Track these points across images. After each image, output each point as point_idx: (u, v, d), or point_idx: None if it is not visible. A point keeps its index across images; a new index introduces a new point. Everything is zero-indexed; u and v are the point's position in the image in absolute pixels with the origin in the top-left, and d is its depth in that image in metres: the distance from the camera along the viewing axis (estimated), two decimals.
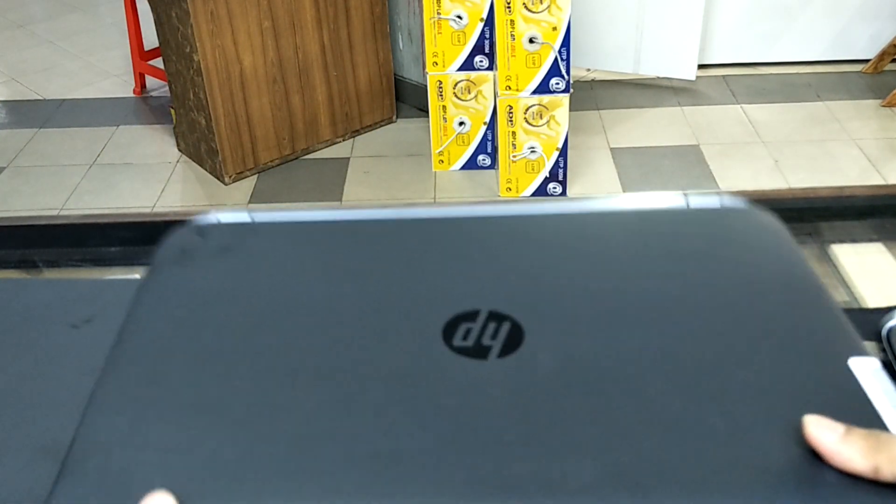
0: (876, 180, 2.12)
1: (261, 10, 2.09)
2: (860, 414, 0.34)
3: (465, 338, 0.36)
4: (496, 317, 0.37)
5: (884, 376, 0.36)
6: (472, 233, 0.43)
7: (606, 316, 0.38)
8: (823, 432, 0.31)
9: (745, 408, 0.33)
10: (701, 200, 0.45)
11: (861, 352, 0.37)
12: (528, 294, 0.39)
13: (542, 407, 0.33)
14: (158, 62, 2.40)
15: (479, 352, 0.35)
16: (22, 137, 2.43)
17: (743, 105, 2.46)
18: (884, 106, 2.43)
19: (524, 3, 1.89)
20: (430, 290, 0.39)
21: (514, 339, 0.36)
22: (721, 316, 0.38)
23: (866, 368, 0.36)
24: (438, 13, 2.02)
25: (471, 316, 0.37)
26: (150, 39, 2.40)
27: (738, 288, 0.40)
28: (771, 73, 2.63)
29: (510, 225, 0.44)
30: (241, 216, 0.44)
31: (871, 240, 0.65)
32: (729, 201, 0.45)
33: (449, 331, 0.36)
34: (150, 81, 2.68)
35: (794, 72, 2.63)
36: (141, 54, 2.59)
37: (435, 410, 0.33)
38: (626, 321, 0.37)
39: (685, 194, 0.45)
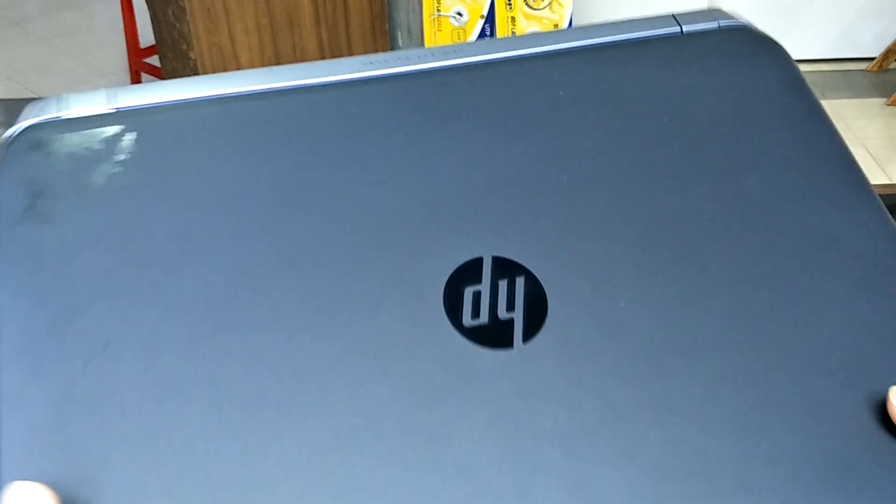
0: (881, 180, 2.10)
1: (258, 7, 2.06)
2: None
3: (475, 312, 0.29)
4: (505, 268, 0.30)
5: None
6: (434, 101, 0.35)
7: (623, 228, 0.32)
8: None
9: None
10: (697, 24, 0.39)
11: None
12: (532, 214, 0.32)
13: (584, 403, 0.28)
14: (154, 60, 2.38)
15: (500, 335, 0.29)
16: None
17: None
18: (889, 105, 2.40)
19: (525, 0, 1.86)
20: (401, 220, 0.31)
21: (538, 304, 0.29)
22: (752, 194, 0.33)
23: None
24: (438, 10, 2.00)
25: (474, 271, 0.30)
26: (147, 37, 2.38)
27: (755, 140, 0.35)
28: None
29: (482, 81, 0.36)
30: (99, 102, 0.34)
31: None
32: (726, 22, 0.40)
33: (453, 300, 0.29)
34: (146, 79, 2.66)
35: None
36: (137, 52, 2.57)
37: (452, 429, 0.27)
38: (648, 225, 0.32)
39: (676, 18, 0.40)
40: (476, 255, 0.30)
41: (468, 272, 0.30)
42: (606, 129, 0.35)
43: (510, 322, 0.29)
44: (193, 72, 2.04)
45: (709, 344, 0.30)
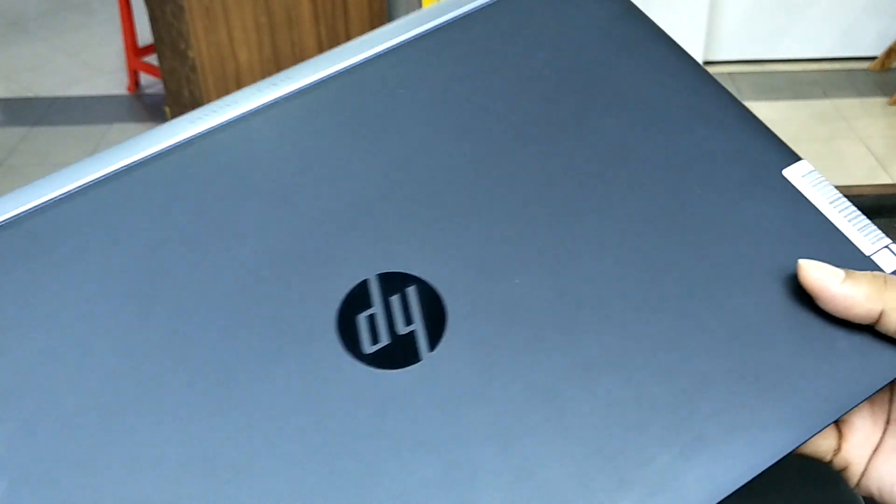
0: (883, 179, 2.09)
1: (257, 5, 2.05)
2: (811, 223, 0.32)
3: (373, 336, 0.28)
4: (392, 282, 0.29)
5: (817, 176, 0.34)
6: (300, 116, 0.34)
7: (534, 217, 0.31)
8: (822, 275, 0.29)
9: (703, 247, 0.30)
10: None
11: (790, 156, 0.34)
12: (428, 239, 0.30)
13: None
14: (153, 59, 2.37)
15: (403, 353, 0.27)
16: (14, 136, 2.40)
17: (749, 102, 2.42)
18: (891, 104, 2.40)
19: None
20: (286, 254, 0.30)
21: (434, 305, 0.28)
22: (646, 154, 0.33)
23: (799, 173, 0.34)
24: None
25: (362, 295, 0.29)
26: (145, 36, 2.37)
27: (602, 78, 0.35)
28: (777, 70, 2.60)
29: (314, 104, 0.34)
30: None
31: None
32: None
33: (348, 332, 0.28)
34: (145, 79, 2.65)
35: (801, 69, 2.60)
36: (135, 51, 2.56)
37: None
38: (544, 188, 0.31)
39: None
40: (359, 278, 0.29)
41: (356, 298, 0.29)
42: (452, 112, 0.34)
43: (412, 335, 0.28)
44: (192, 70, 2.03)
45: (612, 290, 0.29)
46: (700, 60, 2.48)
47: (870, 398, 0.30)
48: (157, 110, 2.49)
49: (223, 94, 2.11)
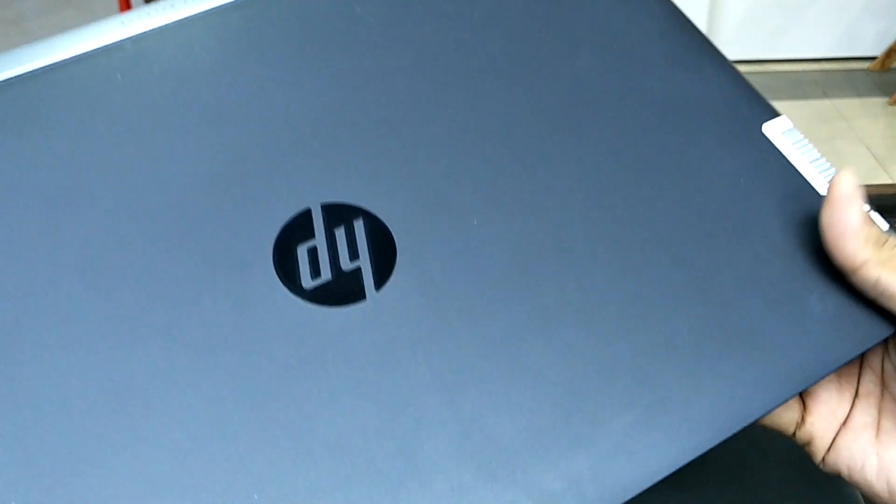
0: (883, 179, 2.09)
1: None
2: (789, 182, 0.31)
3: (315, 271, 0.26)
4: (338, 214, 0.26)
5: (797, 134, 0.32)
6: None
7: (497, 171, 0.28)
8: (847, 200, 0.29)
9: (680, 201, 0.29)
10: None
11: (769, 112, 0.33)
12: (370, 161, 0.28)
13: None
14: None
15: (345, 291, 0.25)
16: None
17: None
18: (891, 104, 2.39)
19: None
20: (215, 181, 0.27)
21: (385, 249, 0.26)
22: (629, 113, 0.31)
23: (779, 129, 0.32)
24: None
25: (304, 225, 0.26)
26: None
27: (576, 22, 0.32)
28: (777, 70, 2.60)
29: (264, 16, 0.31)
30: None
31: None
32: None
33: (286, 264, 0.26)
34: None
35: (801, 69, 2.60)
36: None
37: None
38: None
39: None
40: (301, 206, 0.26)
41: (297, 228, 0.26)
42: (414, 37, 0.31)
43: (357, 272, 0.26)
44: None
45: (576, 239, 0.27)
46: None
47: (838, 370, 0.29)
48: None
49: None
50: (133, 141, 0.28)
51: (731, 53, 2.71)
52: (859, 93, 2.47)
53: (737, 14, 2.58)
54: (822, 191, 0.31)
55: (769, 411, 0.27)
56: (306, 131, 0.28)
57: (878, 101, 2.43)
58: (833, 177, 0.29)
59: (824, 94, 2.47)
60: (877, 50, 2.59)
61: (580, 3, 0.33)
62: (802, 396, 0.33)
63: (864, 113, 2.37)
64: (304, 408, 0.23)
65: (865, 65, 2.60)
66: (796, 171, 0.31)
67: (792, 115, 2.38)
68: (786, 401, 0.27)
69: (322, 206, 0.26)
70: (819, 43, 2.62)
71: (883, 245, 0.28)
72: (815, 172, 0.32)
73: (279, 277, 0.25)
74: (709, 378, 0.26)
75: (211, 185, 0.27)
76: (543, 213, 0.28)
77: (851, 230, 0.28)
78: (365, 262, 0.26)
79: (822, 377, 0.27)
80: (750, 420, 0.26)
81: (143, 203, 0.26)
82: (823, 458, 0.32)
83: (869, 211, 0.29)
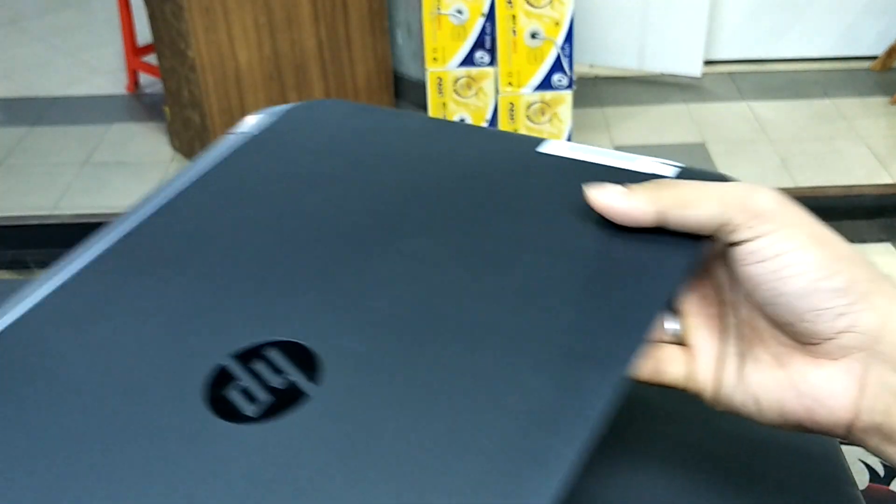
0: (884, 180, 2.08)
1: (256, 4, 2.05)
2: (591, 171, 0.35)
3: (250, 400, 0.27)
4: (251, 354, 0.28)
5: (573, 144, 0.37)
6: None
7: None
8: (607, 195, 0.32)
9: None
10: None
11: (537, 141, 0.37)
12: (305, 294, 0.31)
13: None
14: (152, 59, 2.36)
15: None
16: (14, 136, 2.40)
17: (749, 102, 2.42)
18: (892, 104, 2.39)
19: None
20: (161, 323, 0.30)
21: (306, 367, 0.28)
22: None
23: (558, 147, 0.37)
24: (438, 8, 1.98)
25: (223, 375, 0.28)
26: (144, 35, 2.37)
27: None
28: (778, 70, 2.60)
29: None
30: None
31: (879, 240, 0.62)
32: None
33: (215, 396, 0.27)
34: (144, 78, 2.65)
35: (802, 68, 2.60)
36: (134, 51, 2.56)
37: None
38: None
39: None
40: (214, 363, 0.28)
41: (220, 379, 0.28)
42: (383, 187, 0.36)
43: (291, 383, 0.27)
44: (192, 70, 2.03)
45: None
46: (701, 60, 2.49)
47: (696, 305, 0.33)
48: (156, 110, 2.49)
49: (223, 93, 2.10)
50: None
51: (731, 53, 2.71)
52: (860, 92, 2.47)
53: (738, 14, 2.58)
54: (621, 165, 0.35)
55: (642, 347, 0.28)
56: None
57: (880, 101, 2.43)
58: (588, 198, 0.33)
59: (825, 94, 2.47)
60: (878, 49, 2.59)
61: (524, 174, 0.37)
62: (684, 348, 0.35)
63: (865, 112, 2.37)
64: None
65: (866, 64, 2.60)
66: (590, 162, 0.35)
67: (793, 114, 2.38)
68: (650, 331, 0.29)
69: (232, 357, 0.28)
70: (820, 42, 2.62)
71: (660, 187, 0.32)
72: (607, 157, 0.36)
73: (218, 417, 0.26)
74: (580, 340, 0.28)
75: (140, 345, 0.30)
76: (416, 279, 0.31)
77: (635, 212, 0.32)
78: (293, 373, 0.28)
79: (672, 296, 0.30)
80: (625, 366, 0.27)
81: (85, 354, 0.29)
82: (718, 401, 0.33)
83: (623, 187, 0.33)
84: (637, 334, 0.28)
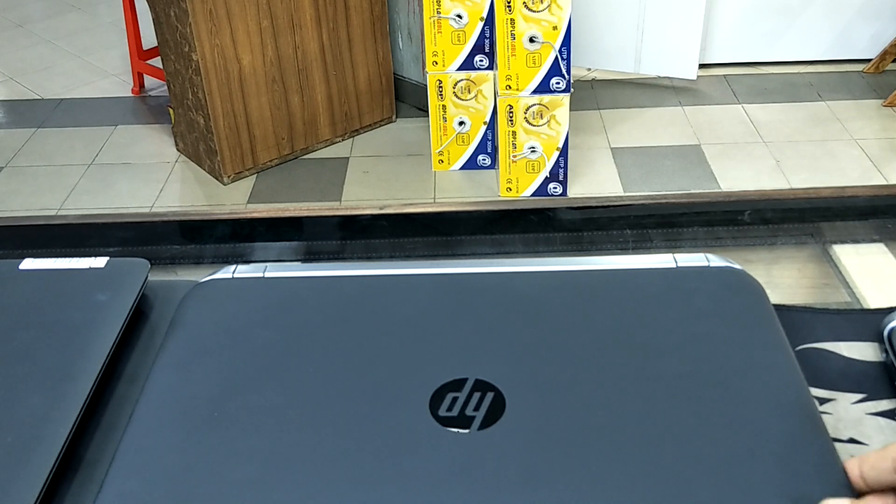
0: (877, 180, 2.11)
1: (260, 9, 2.07)
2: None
3: (450, 408, 0.38)
4: (482, 386, 0.39)
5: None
6: (467, 290, 0.46)
7: (588, 380, 0.40)
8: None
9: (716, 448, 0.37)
10: (689, 259, 0.48)
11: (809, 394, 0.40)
12: (512, 360, 0.41)
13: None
14: (157, 62, 2.38)
15: (463, 422, 0.37)
16: (20, 137, 2.42)
17: (744, 105, 2.45)
18: (885, 106, 2.41)
19: (524, 3, 1.88)
20: (420, 355, 0.41)
21: (497, 409, 0.38)
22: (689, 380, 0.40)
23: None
24: (438, 12, 2.01)
25: (457, 385, 0.39)
26: (149, 39, 2.39)
27: (708, 350, 0.42)
28: (772, 73, 2.62)
29: (502, 282, 0.47)
30: (257, 270, 0.48)
31: (872, 240, 0.64)
32: (715, 260, 0.48)
33: (435, 401, 0.38)
34: (149, 81, 2.67)
35: (796, 71, 2.62)
36: (139, 54, 2.58)
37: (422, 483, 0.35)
38: (606, 385, 0.40)
39: (674, 256, 0.48)
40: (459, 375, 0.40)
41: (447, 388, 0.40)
42: (597, 334, 0.44)
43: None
44: (196, 73, 2.06)
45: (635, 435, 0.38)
46: (696, 63, 2.51)
47: None
48: (161, 112, 2.51)
49: (226, 96, 2.12)
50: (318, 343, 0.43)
51: (726, 57, 2.73)
52: (854, 95, 2.50)
53: (732, 18, 2.61)
54: None
55: None
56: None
57: (873, 103, 2.45)
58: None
59: (819, 97, 2.49)
60: (871, 52, 2.61)
61: (714, 343, 0.43)
62: None
63: (858, 115, 2.40)
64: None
65: (860, 67, 2.62)
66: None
67: (787, 117, 2.40)
68: None
69: (475, 381, 0.39)
70: (814, 46, 2.64)
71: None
72: None
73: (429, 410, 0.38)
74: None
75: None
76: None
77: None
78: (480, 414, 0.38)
79: None
80: None
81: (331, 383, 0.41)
82: None
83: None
84: None
